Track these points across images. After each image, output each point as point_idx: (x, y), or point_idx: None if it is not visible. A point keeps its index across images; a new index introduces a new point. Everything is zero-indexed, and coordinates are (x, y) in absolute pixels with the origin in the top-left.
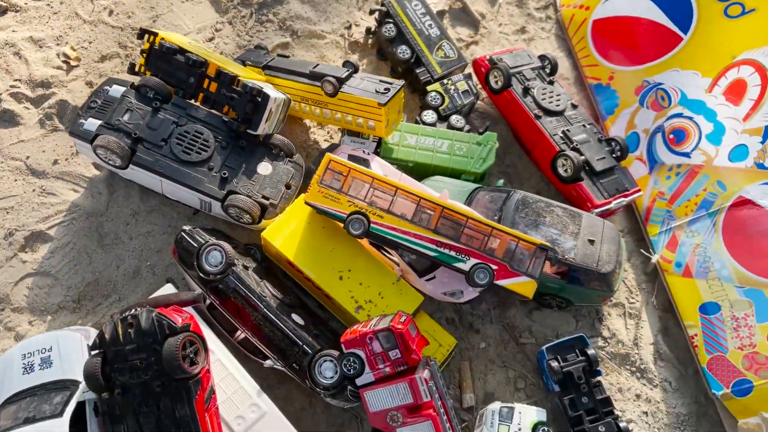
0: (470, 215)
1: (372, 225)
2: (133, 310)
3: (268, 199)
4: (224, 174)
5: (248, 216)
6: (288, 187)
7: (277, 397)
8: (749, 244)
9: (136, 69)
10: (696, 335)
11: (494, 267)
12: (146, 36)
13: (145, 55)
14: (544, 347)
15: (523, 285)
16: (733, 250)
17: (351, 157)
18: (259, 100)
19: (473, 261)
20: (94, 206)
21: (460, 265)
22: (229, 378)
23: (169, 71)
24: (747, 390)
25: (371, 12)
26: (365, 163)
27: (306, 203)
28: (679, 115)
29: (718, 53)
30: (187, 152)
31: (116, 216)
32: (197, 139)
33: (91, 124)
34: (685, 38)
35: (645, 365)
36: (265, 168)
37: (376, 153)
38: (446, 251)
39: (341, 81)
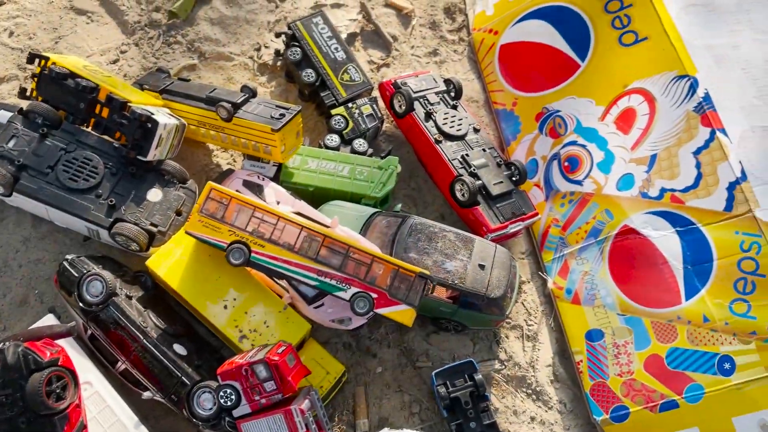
0: (352, 243)
1: (253, 254)
2: (2, 344)
3: (156, 226)
4: (111, 201)
5: (135, 244)
6: (179, 213)
7: (162, 429)
8: (632, 273)
9: (28, 93)
10: (581, 361)
11: (374, 295)
12: (37, 60)
13: (36, 79)
14: (434, 372)
15: (402, 313)
16: (617, 278)
17: (246, 183)
18: (149, 126)
19: (354, 290)
20: None
21: (341, 294)
22: (107, 410)
23: (60, 96)
24: (624, 416)
25: (277, 35)
26: (259, 188)
27: (186, 233)
28: (574, 143)
29: (612, 81)
30: (74, 179)
31: (5, 243)
32: (85, 165)
33: None
34: (582, 65)
35: (540, 387)
36: (155, 195)
37: (276, 177)
38: (327, 280)
39: (236, 106)
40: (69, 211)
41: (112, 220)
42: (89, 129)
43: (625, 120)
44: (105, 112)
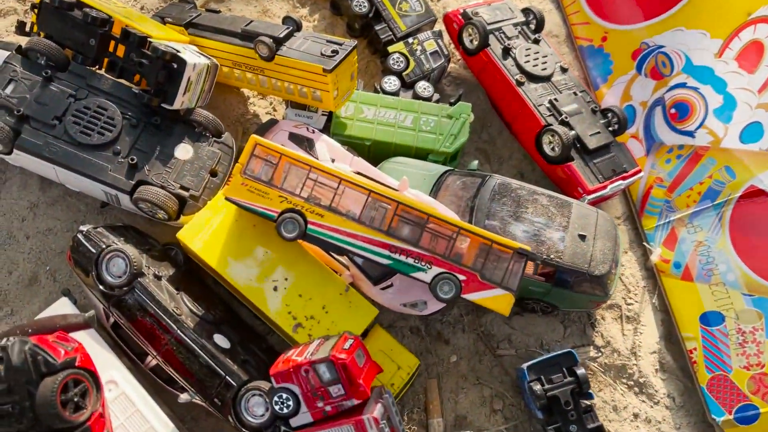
0: (432, 212)
1: (309, 226)
2: (5, 340)
3: (187, 189)
4: (132, 160)
5: (162, 211)
6: (213, 174)
7: None
8: (762, 245)
9: (27, 29)
10: (695, 350)
11: (461, 277)
12: None
13: (36, 11)
14: (525, 366)
15: (497, 299)
16: (742, 251)
17: (292, 136)
18: (175, 66)
19: (436, 270)
20: None
21: (419, 275)
22: (136, 416)
23: (66, 31)
24: (752, 417)
25: None
26: (309, 143)
27: (226, 199)
28: (683, 85)
29: (731, 8)
30: (87, 133)
31: (9, 210)
32: (99, 116)
33: None
34: None
35: (644, 378)
36: (184, 151)
37: (326, 130)
38: (402, 258)
39: (279, 41)
40: (82, 171)
41: (134, 182)
42: (102, 71)
43: (751, 56)
44: (120, 51)
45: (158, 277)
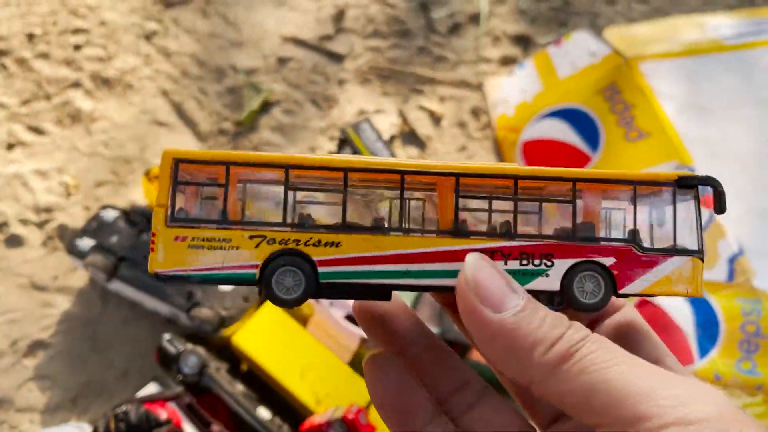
0: (516, 171)
1: (321, 269)
2: (124, 407)
3: (227, 310)
4: (191, 289)
5: (209, 325)
6: (246, 300)
7: None
8: None
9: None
10: None
11: (609, 261)
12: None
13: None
14: None
15: (679, 277)
16: None
17: None
18: None
19: (564, 263)
20: (89, 315)
21: (540, 283)
22: None
23: None
24: None
25: (331, 138)
26: None
27: (156, 276)
28: None
29: (621, 170)
30: None
31: (108, 323)
32: None
33: (85, 244)
34: (595, 158)
35: None
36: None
37: None
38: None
39: None
40: (156, 296)
41: (190, 304)
42: None
43: None
44: None
45: (218, 369)
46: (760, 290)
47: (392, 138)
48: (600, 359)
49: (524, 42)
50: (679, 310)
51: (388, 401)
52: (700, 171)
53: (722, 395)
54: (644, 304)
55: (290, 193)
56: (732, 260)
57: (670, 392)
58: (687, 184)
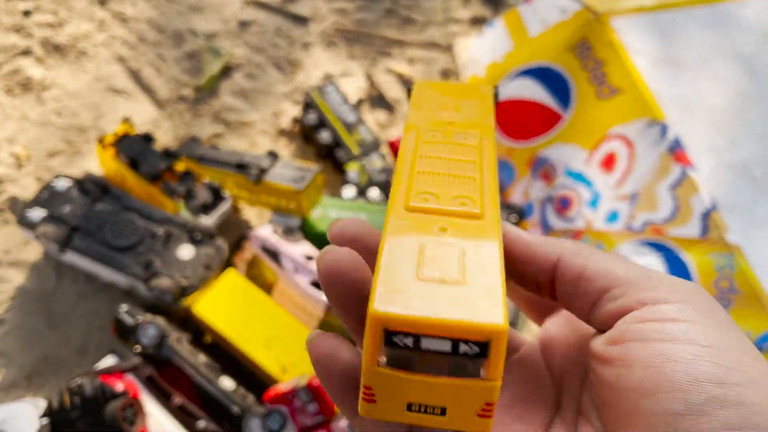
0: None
1: None
2: (78, 380)
3: (187, 279)
4: (148, 258)
5: (169, 296)
6: (208, 268)
7: None
8: None
9: (103, 143)
10: None
11: None
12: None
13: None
14: None
15: None
16: None
17: (264, 248)
18: (221, 196)
19: None
20: (44, 289)
21: None
22: None
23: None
24: None
25: (295, 102)
26: (276, 256)
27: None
28: (564, 186)
29: (593, 129)
30: (117, 239)
31: (64, 298)
32: (127, 227)
33: (36, 215)
34: (567, 117)
35: None
36: (187, 252)
37: (301, 228)
38: None
39: (263, 170)
40: (112, 266)
41: (149, 274)
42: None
43: (608, 162)
44: (174, 179)
45: (179, 339)
46: (733, 245)
47: (360, 102)
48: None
49: (494, 2)
50: (652, 266)
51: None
52: (672, 126)
53: (702, 288)
54: None
55: None
56: (705, 215)
57: (657, 275)
58: None
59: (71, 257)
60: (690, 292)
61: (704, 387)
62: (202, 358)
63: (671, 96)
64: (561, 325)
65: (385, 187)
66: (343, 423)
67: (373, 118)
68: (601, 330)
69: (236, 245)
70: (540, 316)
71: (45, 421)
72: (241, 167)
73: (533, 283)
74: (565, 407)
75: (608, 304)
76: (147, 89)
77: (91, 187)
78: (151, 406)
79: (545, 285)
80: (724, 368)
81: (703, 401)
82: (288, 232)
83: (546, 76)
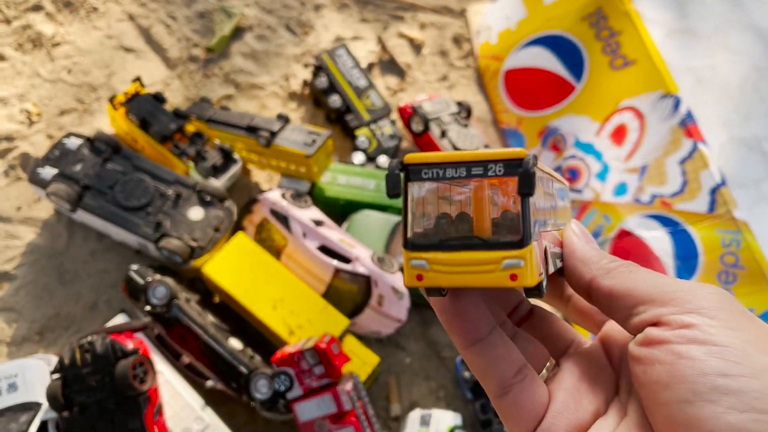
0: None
1: None
2: (89, 338)
3: (197, 241)
4: (158, 219)
5: (178, 257)
6: (217, 230)
7: (221, 414)
8: None
9: (114, 102)
10: None
11: None
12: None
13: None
14: (458, 359)
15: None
16: None
17: (273, 212)
18: (232, 157)
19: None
20: (55, 247)
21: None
22: (177, 395)
23: (153, 114)
24: None
25: (306, 65)
26: (285, 220)
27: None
28: (573, 157)
29: (605, 100)
30: (128, 199)
31: (75, 255)
32: (138, 187)
33: (47, 173)
34: (579, 87)
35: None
36: (196, 213)
37: (310, 193)
38: None
39: (273, 134)
40: (123, 226)
41: (159, 235)
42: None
43: (618, 134)
44: (185, 141)
45: (188, 300)
46: (740, 221)
47: (371, 66)
48: (633, 268)
49: None
50: (659, 242)
51: (456, 317)
52: (685, 99)
53: (720, 289)
54: (625, 235)
55: None
56: (714, 191)
57: (675, 287)
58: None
59: (82, 215)
60: (706, 297)
61: (710, 379)
62: (210, 318)
63: (685, 68)
64: (616, 326)
65: (394, 155)
66: (348, 386)
67: (383, 82)
68: (634, 334)
69: (246, 208)
70: (595, 327)
71: (56, 376)
72: (251, 130)
73: (581, 289)
74: (622, 390)
75: (634, 318)
76: (157, 48)
77: (103, 147)
78: (161, 365)
79: (587, 295)
80: (731, 363)
81: (708, 390)
82: (297, 197)
83: (559, 45)
